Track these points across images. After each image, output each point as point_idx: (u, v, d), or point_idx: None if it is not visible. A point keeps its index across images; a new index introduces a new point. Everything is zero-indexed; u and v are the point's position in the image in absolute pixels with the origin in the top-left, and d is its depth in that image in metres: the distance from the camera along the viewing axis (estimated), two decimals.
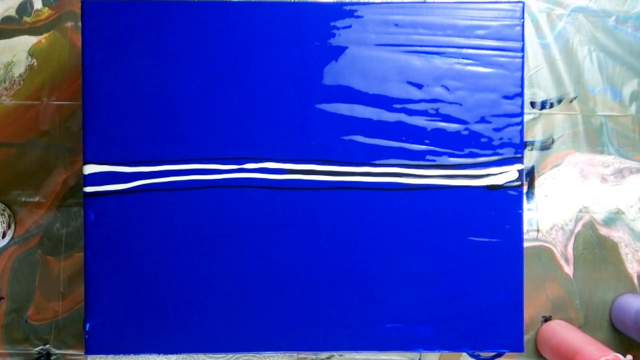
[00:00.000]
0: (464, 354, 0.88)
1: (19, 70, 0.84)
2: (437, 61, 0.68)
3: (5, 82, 0.84)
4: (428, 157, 0.68)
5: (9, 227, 0.82)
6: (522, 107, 0.68)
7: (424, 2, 0.70)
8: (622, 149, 0.88)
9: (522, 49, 0.68)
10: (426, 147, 0.68)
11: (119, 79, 0.67)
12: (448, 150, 0.68)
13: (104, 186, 0.67)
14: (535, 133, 0.87)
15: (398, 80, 0.68)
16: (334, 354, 0.86)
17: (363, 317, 0.68)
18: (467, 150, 0.68)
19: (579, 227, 0.88)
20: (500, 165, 0.68)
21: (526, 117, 0.86)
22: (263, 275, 0.68)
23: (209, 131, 0.67)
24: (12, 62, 0.84)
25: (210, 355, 0.84)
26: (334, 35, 0.68)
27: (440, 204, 0.68)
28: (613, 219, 0.88)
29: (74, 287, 0.85)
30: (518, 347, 0.68)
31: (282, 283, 0.68)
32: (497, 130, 0.68)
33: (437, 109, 0.68)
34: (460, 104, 0.68)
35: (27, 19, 0.85)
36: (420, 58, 0.68)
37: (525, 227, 0.86)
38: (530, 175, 0.87)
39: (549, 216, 0.87)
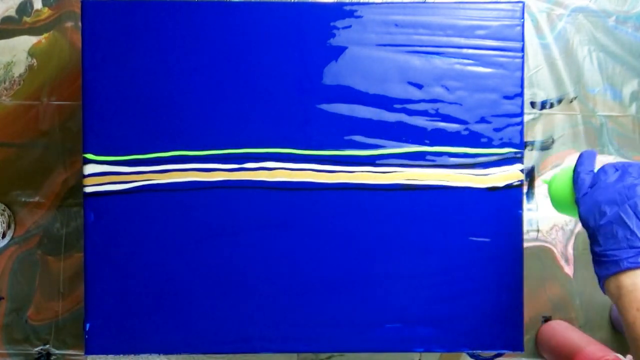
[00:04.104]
0: (464, 354, 0.88)
1: (19, 70, 0.84)
2: (437, 61, 0.68)
3: (5, 82, 0.84)
4: (428, 157, 0.68)
5: (9, 227, 0.82)
6: (522, 107, 0.68)
7: (424, 2, 0.70)
8: (622, 149, 0.88)
9: (522, 49, 0.68)
10: (426, 147, 0.68)
11: (119, 78, 0.67)
12: (448, 150, 0.68)
13: (104, 186, 0.67)
14: (535, 133, 0.87)
15: (398, 80, 0.68)
16: (334, 354, 0.86)
17: (363, 317, 0.68)
18: (467, 151, 0.68)
19: (579, 227, 0.87)
20: (500, 166, 0.68)
21: (526, 117, 0.86)
22: (263, 275, 0.68)
23: (209, 132, 0.67)
24: (12, 62, 0.84)
25: (210, 355, 0.84)
26: (334, 35, 0.68)
27: (440, 204, 0.68)
28: None
29: (74, 287, 0.85)
30: (518, 347, 0.69)
31: (282, 283, 0.68)
32: (497, 130, 0.68)
33: (437, 109, 0.68)
34: (460, 104, 0.68)
35: (27, 19, 0.84)
36: (420, 58, 0.68)
37: (525, 227, 0.86)
38: (530, 175, 0.87)
39: (549, 216, 0.87)
